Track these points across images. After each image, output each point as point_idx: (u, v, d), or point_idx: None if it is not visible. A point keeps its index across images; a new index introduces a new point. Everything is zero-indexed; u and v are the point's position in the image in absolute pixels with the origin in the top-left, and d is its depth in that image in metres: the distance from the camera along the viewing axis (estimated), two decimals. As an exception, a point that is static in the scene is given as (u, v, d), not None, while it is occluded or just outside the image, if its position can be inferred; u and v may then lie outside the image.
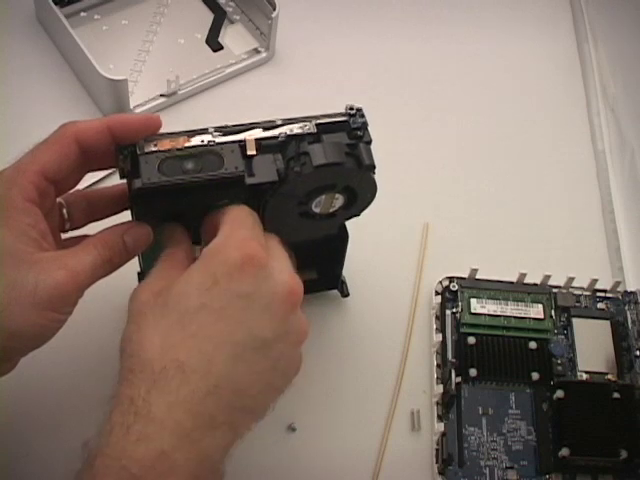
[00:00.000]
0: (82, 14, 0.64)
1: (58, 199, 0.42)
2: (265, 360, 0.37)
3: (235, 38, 0.66)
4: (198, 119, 0.60)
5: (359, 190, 0.44)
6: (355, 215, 0.47)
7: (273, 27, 0.63)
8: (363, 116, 0.43)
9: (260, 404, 0.38)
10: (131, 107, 0.59)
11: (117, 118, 0.40)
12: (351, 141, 0.43)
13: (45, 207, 0.39)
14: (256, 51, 0.66)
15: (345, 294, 0.54)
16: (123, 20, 0.65)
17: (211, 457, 0.35)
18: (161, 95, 0.61)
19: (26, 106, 0.60)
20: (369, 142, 0.43)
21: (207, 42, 0.65)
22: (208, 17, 0.66)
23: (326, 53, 0.67)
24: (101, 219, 0.44)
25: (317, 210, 0.45)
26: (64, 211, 0.42)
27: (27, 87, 0.61)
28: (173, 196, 0.40)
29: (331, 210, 0.46)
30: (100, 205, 0.44)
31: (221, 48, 0.65)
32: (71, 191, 0.42)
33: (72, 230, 0.43)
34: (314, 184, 0.43)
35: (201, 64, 0.64)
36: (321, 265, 0.53)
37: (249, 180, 0.41)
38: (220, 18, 0.66)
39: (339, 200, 0.45)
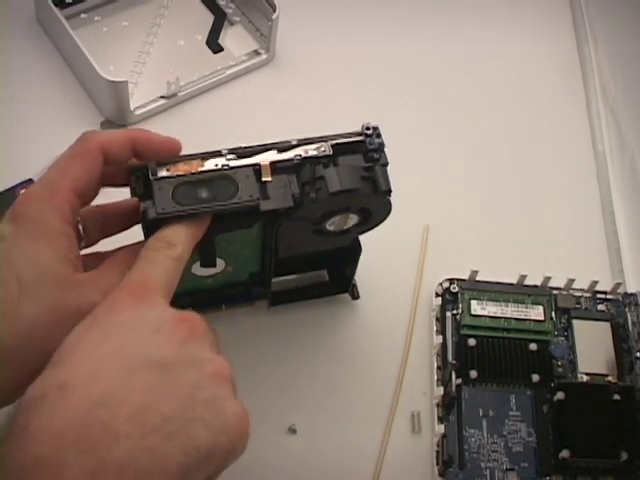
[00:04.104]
0: (82, 15, 0.64)
1: (79, 225, 0.41)
2: (171, 382, 0.33)
3: (235, 40, 0.66)
4: (198, 121, 0.61)
5: (374, 211, 0.44)
6: (369, 230, 0.47)
7: (273, 29, 0.63)
8: (380, 136, 0.43)
9: (184, 433, 0.32)
10: (131, 109, 0.59)
11: (141, 133, 0.40)
12: (367, 164, 0.42)
13: (75, 226, 0.39)
14: (256, 53, 0.65)
15: (355, 297, 0.54)
16: (123, 22, 0.65)
17: (128, 469, 0.30)
18: (161, 97, 0.61)
19: (26, 107, 0.60)
20: (385, 164, 0.43)
21: (207, 44, 0.65)
22: (208, 19, 0.66)
23: (326, 54, 0.67)
24: (114, 234, 0.44)
25: (331, 229, 0.45)
26: (80, 228, 0.41)
27: (27, 89, 0.61)
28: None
29: (345, 228, 0.46)
30: (113, 220, 0.43)
31: (221, 50, 0.65)
32: (86, 207, 0.42)
33: (86, 247, 0.42)
34: (329, 208, 0.43)
35: (201, 66, 0.63)
36: (332, 269, 0.53)
37: (264, 206, 0.40)
38: (220, 20, 0.66)
39: (353, 219, 0.45)
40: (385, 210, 0.45)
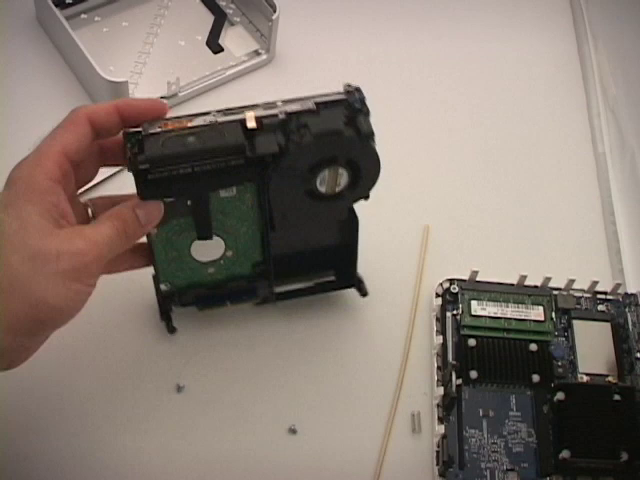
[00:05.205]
0: (82, 16, 0.64)
1: (84, 200, 0.43)
2: None
3: (235, 40, 0.66)
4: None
5: (362, 163, 0.44)
6: (363, 197, 0.47)
7: (273, 29, 0.63)
8: (362, 94, 0.44)
9: None
10: (132, 109, 0.59)
11: (124, 100, 0.42)
12: (350, 114, 0.43)
13: (68, 189, 0.41)
14: (256, 53, 0.66)
15: (364, 293, 0.54)
16: (124, 22, 0.65)
17: None
18: (162, 97, 0.61)
19: (26, 108, 0.60)
20: (368, 113, 0.44)
21: (207, 44, 0.65)
22: (208, 19, 0.66)
23: (327, 54, 0.67)
24: None
25: (323, 189, 0.46)
26: (89, 211, 0.44)
27: (27, 89, 0.61)
28: (179, 181, 0.41)
29: (337, 190, 0.46)
30: None
31: (221, 50, 0.65)
32: (97, 196, 0.44)
33: None
34: (315, 156, 0.43)
35: (202, 66, 0.64)
36: (337, 265, 0.53)
37: (250, 153, 0.41)
38: (220, 20, 0.66)
39: (343, 177, 0.45)
40: (374, 165, 0.45)
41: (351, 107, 0.43)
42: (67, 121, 0.41)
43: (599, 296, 0.56)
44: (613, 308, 0.55)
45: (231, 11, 0.67)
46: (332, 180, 0.45)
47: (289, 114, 0.42)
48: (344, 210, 0.48)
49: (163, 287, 0.49)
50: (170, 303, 0.51)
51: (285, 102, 0.43)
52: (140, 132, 0.41)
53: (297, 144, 0.42)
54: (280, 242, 0.49)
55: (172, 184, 0.41)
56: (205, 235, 0.47)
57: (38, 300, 0.36)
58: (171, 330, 0.51)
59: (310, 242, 0.51)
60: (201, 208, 0.45)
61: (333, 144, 0.43)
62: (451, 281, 0.55)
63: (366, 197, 0.47)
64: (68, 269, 0.37)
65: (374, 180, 0.46)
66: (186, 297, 0.51)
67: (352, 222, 0.49)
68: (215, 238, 0.47)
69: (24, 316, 0.36)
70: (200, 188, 0.43)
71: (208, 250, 0.48)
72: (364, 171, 0.45)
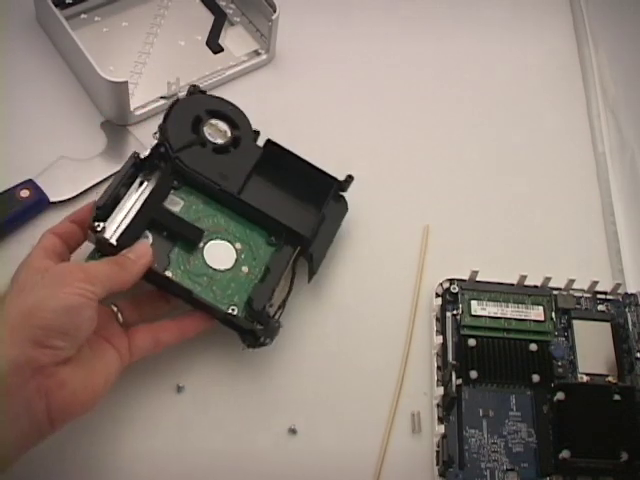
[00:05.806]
0: (82, 16, 0.64)
1: (112, 305, 0.48)
2: None
3: (235, 40, 0.66)
4: (198, 121, 0.61)
5: (218, 109, 0.55)
6: (253, 131, 0.56)
7: (273, 29, 0.63)
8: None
9: None
10: (131, 109, 0.59)
11: (73, 212, 0.50)
12: None
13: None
14: (256, 53, 0.66)
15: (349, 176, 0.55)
16: (123, 22, 0.65)
17: None
18: (161, 97, 0.61)
19: (26, 108, 0.60)
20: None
21: (207, 44, 0.65)
22: (208, 19, 0.66)
23: (326, 55, 0.67)
24: (150, 320, 0.49)
25: (220, 140, 0.54)
26: (119, 316, 0.48)
27: (27, 89, 0.61)
28: (129, 226, 0.49)
29: (229, 134, 0.55)
30: (148, 306, 0.50)
31: (221, 50, 0.65)
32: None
33: (126, 327, 0.48)
34: (184, 120, 0.53)
35: (201, 66, 0.63)
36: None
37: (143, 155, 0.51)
38: (220, 20, 0.66)
39: (220, 124, 0.55)
40: (223, 105, 0.56)
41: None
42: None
43: (599, 296, 0.56)
44: (613, 308, 0.55)
45: (231, 11, 0.67)
46: (216, 131, 0.54)
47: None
48: (254, 147, 0.55)
49: (230, 312, 0.48)
50: (256, 328, 0.49)
51: None
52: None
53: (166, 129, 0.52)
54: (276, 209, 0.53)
55: (128, 231, 0.49)
56: (196, 236, 0.51)
57: (33, 307, 0.40)
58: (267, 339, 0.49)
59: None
60: (174, 223, 0.50)
61: (183, 109, 0.54)
62: (451, 281, 0.55)
63: (256, 132, 0.56)
64: (51, 282, 0.42)
65: (240, 114, 0.56)
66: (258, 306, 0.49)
67: (272, 149, 0.54)
68: (211, 242, 0.51)
69: (22, 326, 0.40)
70: (147, 211, 0.49)
71: (220, 255, 0.51)
72: (226, 113, 0.55)
